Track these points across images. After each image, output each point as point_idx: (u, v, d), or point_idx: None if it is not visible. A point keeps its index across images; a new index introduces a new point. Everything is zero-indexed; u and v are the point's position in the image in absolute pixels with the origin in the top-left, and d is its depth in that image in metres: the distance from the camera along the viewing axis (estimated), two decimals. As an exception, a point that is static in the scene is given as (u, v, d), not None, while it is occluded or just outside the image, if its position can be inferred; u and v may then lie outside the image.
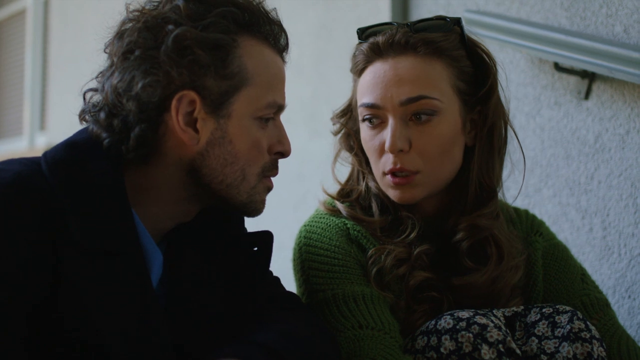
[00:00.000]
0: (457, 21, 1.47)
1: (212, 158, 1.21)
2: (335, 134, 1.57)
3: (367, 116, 1.44)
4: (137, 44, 1.17)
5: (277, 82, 1.27)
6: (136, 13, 1.21)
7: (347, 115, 1.55)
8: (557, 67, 2.01)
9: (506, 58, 2.18)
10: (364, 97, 1.44)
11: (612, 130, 1.91)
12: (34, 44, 5.17)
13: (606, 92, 1.93)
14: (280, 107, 1.27)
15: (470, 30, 2.12)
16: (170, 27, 1.17)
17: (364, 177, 1.52)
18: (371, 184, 1.50)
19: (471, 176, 1.47)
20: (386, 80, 1.42)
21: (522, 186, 1.55)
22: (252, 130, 1.23)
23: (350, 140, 1.55)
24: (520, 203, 2.08)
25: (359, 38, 1.50)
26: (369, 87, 1.44)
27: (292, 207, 2.81)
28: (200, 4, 1.19)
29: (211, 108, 1.19)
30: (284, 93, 1.29)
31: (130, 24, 1.20)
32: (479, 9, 2.24)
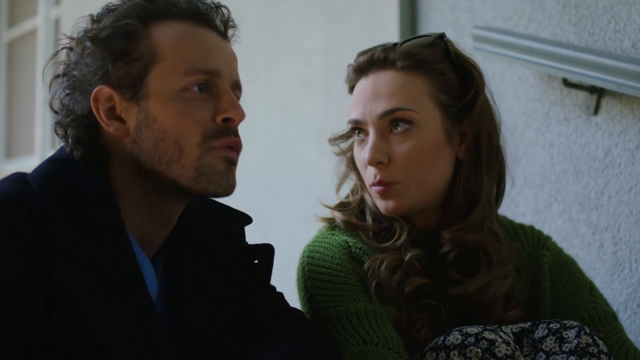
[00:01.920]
0: (441, 36, 1.49)
1: (144, 141, 1.21)
2: (338, 154, 1.61)
3: (355, 132, 1.50)
4: (61, 65, 1.26)
5: (200, 50, 1.24)
6: (65, 41, 1.29)
7: (346, 138, 1.59)
8: (566, 82, 2.01)
9: (515, 74, 2.18)
10: (351, 114, 1.50)
11: (621, 146, 1.91)
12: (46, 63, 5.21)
13: (615, 107, 1.93)
14: (211, 72, 1.23)
15: (478, 46, 2.14)
16: (78, 37, 1.24)
17: (360, 190, 1.56)
18: (366, 197, 1.53)
19: (457, 188, 1.47)
20: (366, 95, 1.47)
21: (501, 198, 1.54)
22: (177, 103, 1.21)
23: (353, 161, 1.57)
24: (530, 219, 2.08)
25: (354, 61, 1.54)
26: (354, 104, 1.50)
27: (302, 224, 2.81)
28: (106, 10, 1.26)
29: (128, 95, 1.21)
30: (215, 60, 1.25)
31: (59, 51, 1.29)
32: (487, 25, 2.24)
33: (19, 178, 1.17)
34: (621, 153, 1.91)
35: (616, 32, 1.92)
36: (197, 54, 1.23)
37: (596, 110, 1.97)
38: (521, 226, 1.62)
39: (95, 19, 1.25)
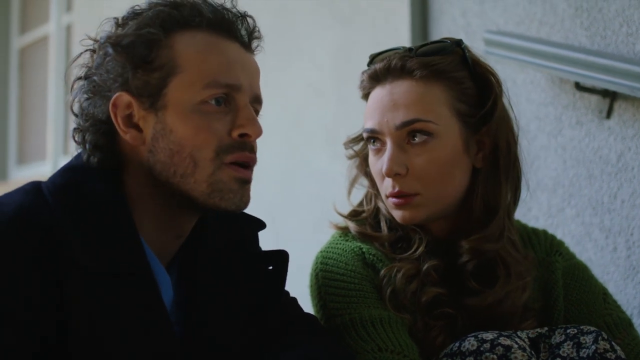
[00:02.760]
0: (458, 42, 1.47)
1: (160, 152, 1.20)
2: (350, 158, 1.60)
3: (370, 141, 1.48)
4: (83, 66, 1.26)
5: (221, 63, 1.23)
6: (87, 42, 1.28)
7: (360, 141, 1.57)
8: (578, 86, 2.01)
9: (527, 78, 2.17)
10: (366, 123, 1.48)
11: (634, 149, 1.90)
12: (57, 69, 5.23)
13: (628, 110, 1.92)
14: (230, 87, 1.23)
15: (489, 51, 2.13)
16: (101, 42, 1.24)
17: (374, 198, 1.54)
18: (380, 205, 1.52)
19: (476, 198, 1.46)
20: (383, 105, 1.45)
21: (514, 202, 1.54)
22: (195, 116, 1.20)
23: (365, 164, 1.56)
24: (543, 223, 2.07)
25: (367, 65, 1.52)
26: (369, 112, 1.47)
27: (312, 229, 2.81)
28: (131, 15, 1.24)
29: (147, 104, 1.20)
30: (236, 74, 1.24)
31: (81, 53, 1.28)
32: (499, 29, 2.24)
33: (32, 189, 1.16)
34: (634, 157, 1.90)
35: (628, 36, 1.91)
36: (218, 67, 1.22)
37: (609, 114, 1.96)
38: (534, 231, 1.61)
39: (119, 23, 1.24)
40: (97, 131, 1.23)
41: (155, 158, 1.20)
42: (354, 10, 2.73)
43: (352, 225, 1.52)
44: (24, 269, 1.06)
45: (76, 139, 1.26)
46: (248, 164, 1.24)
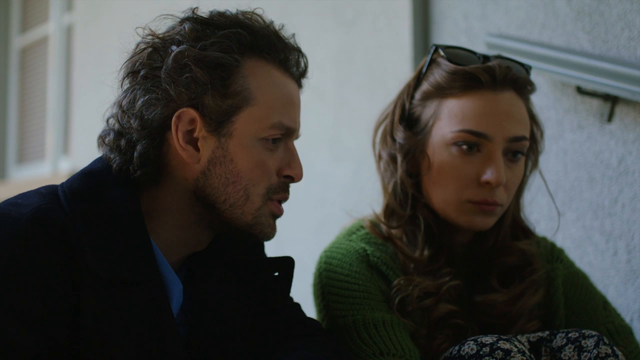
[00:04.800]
0: (528, 66, 1.51)
1: (215, 177, 1.21)
2: (401, 151, 1.50)
3: (468, 143, 1.42)
4: (143, 65, 1.21)
5: (285, 104, 1.26)
6: (149, 37, 1.24)
7: (414, 134, 1.50)
8: (580, 90, 2.01)
9: (528, 81, 2.17)
10: (468, 124, 1.41)
11: (635, 153, 1.90)
12: (58, 69, 5.23)
13: (629, 114, 1.92)
14: (288, 130, 1.26)
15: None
16: (174, 47, 1.20)
17: (415, 203, 1.50)
18: (426, 211, 1.48)
19: (507, 213, 1.52)
20: (499, 112, 1.41)
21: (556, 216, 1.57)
22: (255, 151, 1.22)
23: (418, 161, 1.50)
24: (544, 227, 2.07)
25: (447, 58, 1.47)
26: (476, 115, 1.41)
27: (313, 231, 2.82)
28: (207, 26, 1.22)
29: (212, 126, 1.20)
30: (294, 116, 1.28)
31: (141, 47, 1.23)
32: (501, 32, 2.24)
33: (48, 192, 1.16)
34: (635, 161, 1.90)
35: (630, 40, 1.92)
36: (284, 108, 1.25)
37: (610, 118, 1.96)
38: (536, 237, 1.61)
39: (196, 32, 1.21)
40: (152, 141, 1.20)
41: (207, 181, 1.21)
42: (356, 13, 2.73)
43: (388, 234, 1.49)
44: (41, 269, 1.07)
45: (112, 140, 1.22)
46: (282, 203, 1.29)
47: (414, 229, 1.49)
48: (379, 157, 1.55)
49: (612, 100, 1.96)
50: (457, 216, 1.44)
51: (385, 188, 1.52)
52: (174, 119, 1.18)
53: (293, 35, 1.30)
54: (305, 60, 1.31)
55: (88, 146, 4.18)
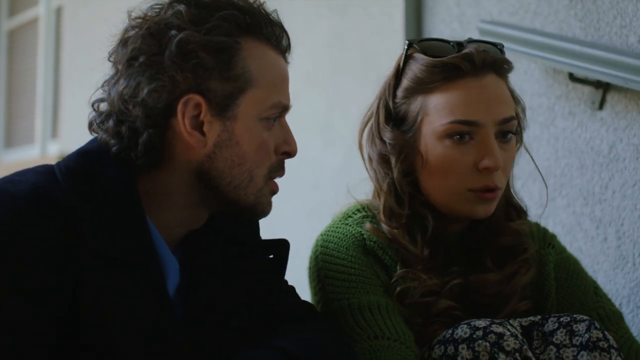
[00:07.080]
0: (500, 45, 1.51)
1: (220, 160, 1.21)
2: (393, 152, 1.47)
3: (460, 133, 1.41)
4: (141, 51, 1.18)
5: (281, 82, 1.28)
6: (139, 20, 1.22)
7: (403, 133, 1.48)
8: (572, 77, 2.02)
9: (520, 68, 2.18)
10: (458, 114, 1.40)
11: (626, 140, 1.92)
12: (47, 52, 5.20)
13: (620, 102, 1.93)
14: (285, 108, 1.28)
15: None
16: (174, 32, 1.18)
17: (412, 201, 1.47)
18: (424, 208, 1.47)
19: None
20: (486, 98, 1.41)
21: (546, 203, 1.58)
22: (259, 131, 1.23)
23: (411, 159, 1.48)
24: (534, 213, 2.09)
25: (423, 51, 1.46)
26: (464, 104, 1.40)
27: (305, 217, 2.82)
28: (202, 8, 1.20)
29: (217, 110, 1.20)
30: (288, 93, 1.29)
31: (133, 31, 1.21)
32: (493, 19, 2.24)
33: (45, 170, 1.16)
34: (626, 148, 1.92)
35: (622, 27, 1.93)
36: (281, 88, 1.27)
37: (601, 105, 1.97)
38: (528, 222, 1.62)
39: (193, 15, 1.19)
40: (158, 129, 1.19)
41: (212, 164, 1.21)
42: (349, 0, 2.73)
43: (391, 233, 1.47)
44: (41, 245, 1.07)
45: (111, 127, 1.20)
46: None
47: (413, 227, 1.48)
48: (369, 159, 1.53)
49: (603, 87, 1.97)
50: (460, 207, 1.44)
51: (380, 188, 1.50)
52: (180, 105, 1.17)
53: (275, 11, 1.30)
54: (287, 36, 1.31)
55: (77, 130, 4.15)
